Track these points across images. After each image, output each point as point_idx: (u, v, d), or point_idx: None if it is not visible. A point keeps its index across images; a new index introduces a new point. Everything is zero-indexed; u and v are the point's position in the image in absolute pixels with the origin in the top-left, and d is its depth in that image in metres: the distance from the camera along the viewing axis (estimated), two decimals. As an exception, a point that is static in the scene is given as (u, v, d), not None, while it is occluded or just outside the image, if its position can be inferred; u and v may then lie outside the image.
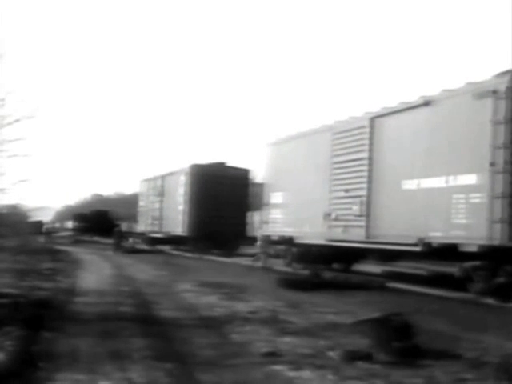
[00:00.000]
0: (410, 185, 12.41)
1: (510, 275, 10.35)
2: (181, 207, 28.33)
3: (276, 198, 18.38)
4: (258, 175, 38.38)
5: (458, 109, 11.36)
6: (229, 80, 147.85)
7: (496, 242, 10.23)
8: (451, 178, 11.25)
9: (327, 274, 13.92)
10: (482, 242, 10.45)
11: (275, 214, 18.38)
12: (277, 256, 18.40)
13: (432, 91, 12.25)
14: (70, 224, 59.90)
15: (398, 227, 12.70)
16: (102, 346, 6.01)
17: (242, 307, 8.91)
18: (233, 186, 27.54)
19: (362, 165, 14.12)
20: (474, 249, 10.64)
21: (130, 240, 33.73)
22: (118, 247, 28.30)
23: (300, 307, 9.05)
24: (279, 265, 17.62)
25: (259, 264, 18.23)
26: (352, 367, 5.27)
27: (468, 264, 10.97)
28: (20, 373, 4.92)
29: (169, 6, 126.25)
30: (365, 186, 13.95)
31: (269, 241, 18.61)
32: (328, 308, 8.95)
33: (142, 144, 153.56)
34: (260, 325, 7.36)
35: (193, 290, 11.26)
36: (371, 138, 13.86)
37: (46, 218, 56.73)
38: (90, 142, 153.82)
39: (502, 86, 10.40)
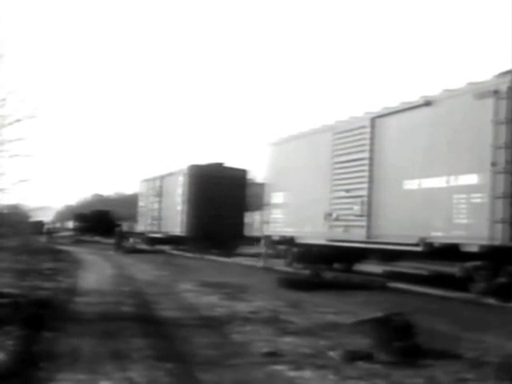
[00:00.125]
0: (411, 185, 12.40)
1: (511, 275, 10.34)
2: (179, 207, 28.61)
3: (277, 197, 18.37)
4: (257, 175, 38.47)
5: (458, 109, 11.35)
6: (228, 81, 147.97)
7: (497, 242, 10.22)
8: (452, 177, 11.24)
9: (328, 274, 13.91)
10: (483, 242, 10.44)
11: (276, 214, 18.37)
12: (278, 256, 18.40)
13: (433, 91, 12.25)
14: (70, 224, 60.00)
15: (399, 227, 12.69)
16: (103, 345, 6.00)
17: (242, 307, 8.90)
18: (230, 187, 27.77)
19: (362, 165, 14.11)
20: (475, 249, 10.63)
21: (131, 240, 33.79)
22: (119, 247, 28.41)
23: (301, 307, 9.04)
24: (280, 265, 17.61)
25: (262, 264, 18.21)
26: (353, 367, 5.26)
27: (469, 264, 10.97)
28: (21, 373, 4.92)
29: (169, 6, 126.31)
30: (366, 185, 13.94)
31: (272, 241, 18.58)
32: (329, 308, 8.94)
33: (142, 144, 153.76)
34: (261, 325, 7.35)
35: (193, 289, 11.25)
36: (372, 138, 13.86)
37: (47, 217, 56.83)
38: (90, 142, 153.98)
39: (503, 86, 10.39)
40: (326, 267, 15.53)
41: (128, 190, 69.07)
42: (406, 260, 16.02)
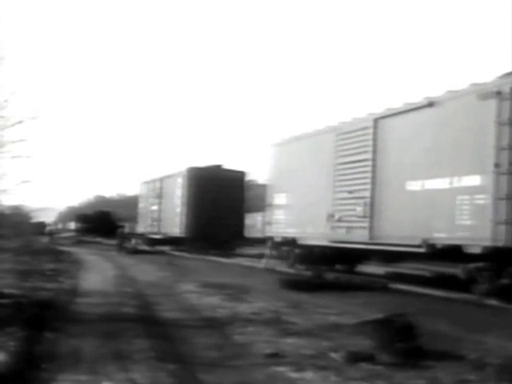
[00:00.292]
0: (413, 186, 12.36)
1: (514, 277, 10.31)
2: (178, 209, 28.97)
3: (279, 199, 18.35)
4: (258, 177, 38.49)
5: (462, 110, 11.31)
6: (228, 83, 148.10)
7: (500, 244, 10.19)
8: (455, 179, 11.21)
9: (330, 275, 13.89)
10: (486, 244, 10.40)
11: (278, 215, 18.35)
12: (280, 257, 18.37)
13: (436, 92, 12.22)
14: (72, 225, 60.09)
15: (401, 228, 12.65)
16: (105, 346, 6.00)
17: (244, 308, 8.89)
18: (229, 188, 28.06)
19: (365, 166, 14.07)
20: (478, 250, 10.60)
21: (133, 241, 33.86)
22: (121, 248, 28.48)
23: (302, 308, 9.02)
24: (281, 266, 17.59)
25: (264, 265, 18.16)
26: (355, 368, 5.25)
27: (472, 265, 10.93)
28: (22, 373, 4.91)
29: (168, 8, 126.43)
30: (368, 187, 13.91)
31: (276, 242, 18.51)
32: (330, 309, 8.92)
33: (144, 145, 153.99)
34: (262, 326, 7.34)
35: (195, 290, 11.24)
36: (375, 139, 13.82)
37: (49, 219, 56.91)
38: (92, 143, 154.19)
39: (507, 87, 10.36)
40: (328, 268, 15.50)
41: (130, 191, 69.10)
42: (408, 261, 15.97)
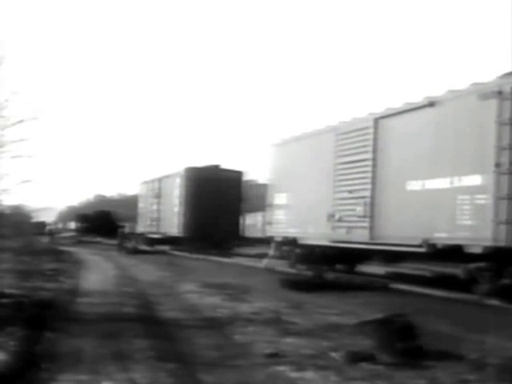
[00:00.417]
0: (414, 186, 12.35)
1: (515, 276, 10.30)
2: (176, 209, 29.26)
3: (280, 198, 18.35)
4: (258, 177, 38.50)
5: (462, 109, 11.30)
6: (228, 83, 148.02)
7: (501, 244, 10.18)
8: (456, 178, 11.20)
9: (330, 275, 13.89)
10: (487, 244, 10.39)
11: (279, 215, 18.35)
12: (281, 257, 18.36)
13: (436, 92, 12.21)
14: (72, 225, 60.07)
15: (402, 228, 12.65)
16: (105, 346, 6.00)
17: (245, 308, 8.89)
18: (226, 188, 28.32)
19: (366, 166, 14.07)
20: (478, 250, 10.59)
21: (133, 241, 33.91)
22: (122, 248, 28.53)
23: (303, 308, 9.02)
24: (282, 265, 17.58)
25: (266, 264, 18.11)
26: (355, 368, 5.25)
27: (473, 265, 10.92)
28: (23, 373, 4.92)
29: (167, 9, 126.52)
30: (369, 186, 13.90)
31: (278, 242, 18.46)
32: (331, 309, 8.92)
33: (144, 145, 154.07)
34: (263, 325, 7.34)
35: (196, 290, 11.24)
36: (375, 139, 13.81)
37: (49, 218, 56.89)
38: (93, 143, 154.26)
39: (507, 87, 10.34)
40: (328, 268, 15.50)
41: (130, 190, 69.08)
42: (409, 261, 15.96)
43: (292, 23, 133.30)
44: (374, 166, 13.75)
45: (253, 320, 7.78)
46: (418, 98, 12.65)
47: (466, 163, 11.06)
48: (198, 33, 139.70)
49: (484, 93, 10.69)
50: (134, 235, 36.19)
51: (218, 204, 27.68)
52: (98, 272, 15.79)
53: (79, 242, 39.37)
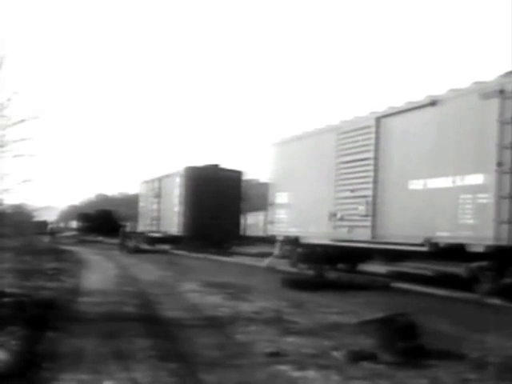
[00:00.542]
0: (416, 185, 12.34)
1: (517, 276, 10.28)
2: (176, 208, 29.51)
3: (281, 198, 18.33)
4: (259, 176, 38.48)
5: (464, 108, 11.28)
6: (228, 83, 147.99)
7: (503, 243, 10.16)
8: (458, 177, 11.18)
9: (332, 274, 13.87)
10: (489, 243, 10.38)
11: (280, 214, 18.33)
12: (282, 256, 18.34)
13: (438, 91, 12.19)
14: (74, 224, 60.12)
15: (404, 227, 12.63)
16: (106, 345, 5.99)
17: (246, 307, 8.88)
18: (226, 188, 28.57)
19: (367, 165, 14.05)
20: (480, 249, 10.57)
21: (134, 240, 33.97)
22: (123, 247, 28.58)
23: (304, 307, 9.01)
24: (283, 265, 17.57)
25: (268, 264, 18.05)
26: (356, 367, 5.23)
27: (475, 264, 10.90)
28: (24, 373, 4.91)
29: (167, 9, 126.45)
30: (370, 185, 13.88)
31: (283, 241, 18.38)
32: (332, 308, 8.91)
33: (145, 144, 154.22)
34: (264, 325, 7.33)
35: (197, 289, 11.23)
36: (377, 138, 13.79)
37: (51, 217, 56.95)
38: (94, 142, 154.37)
39: (509, 86, 10.32)
40: (330, 267, 15.48)
41: (132, 190, 69.10)
42: (411, 260, 15.95)
43: (293, 21, 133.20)
44: (376, 165, 13.73)
45: (254, 319, 7.77)
46: (419, 97, 12.64)
47: (467, 162, 11.03)
48: (198, 33, 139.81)
49: (486, 92, 10.67)
50: (135, 234, 36.26)
51: (217, 203, 27.92)
52: (99, 271, 15.79)
53: (80, 242, 39.38)
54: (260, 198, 30.61)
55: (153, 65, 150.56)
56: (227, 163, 30.22)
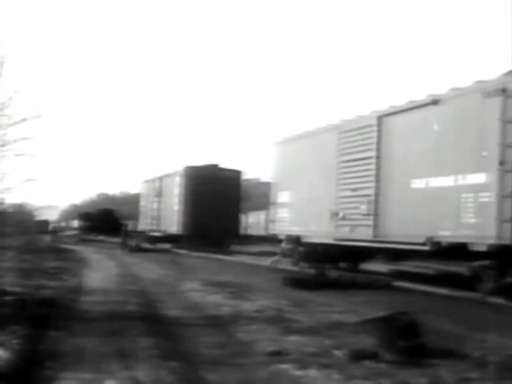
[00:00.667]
0: (418, 184, 12.33)
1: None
2: (176, 207, 29.80)
3: (283, 197, 18.33)
4: (260, 175, 38.52)
5: (466, 107, 11.27)
6: (229, 83, 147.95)
7: (505, 242, 10.15)
8: (460, 176, 11.16)
9: (333, 273, 13.86)
10: (492, 242, 10.37)
11: (282, 213, 18.33)
12: (284, 255, 18.32)
13: (440, 90, 12.18)
14: (75, 223, 60.17)
15: (406, 226, 12.62)
16: (108, 344, 5.99)
17: (247, 306, 8.87)
18: (225, 187, 28.83)
19: (369, 164, 14.04)
20: (483, 248, 10.56)
21: (135, 239, 34.02)
22: (125, 246, 28.62)
23: (305, 306, 9.00)
24: (285, 263, 17.56)
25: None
26: (358, 366, 5.23)
27: (477, 263, 10.89)
28: (26, 372, 4.91)
29: (167, 9, 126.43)
30: (372, 184, 13.87)
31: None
32: (333, 307, 8.91)
33: (147, 143, 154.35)
34: (266, 324, 7.32)
35: (198, 288, 11.23)
36: (379, 137, 13.78)
37: (52, 217, 57.05)
38: (96, 141, 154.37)
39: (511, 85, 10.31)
40: (332, 266, 15.47)
41: (133, 189, 69.11)
42: (412, 259, 15.95)
43: (293, 20, 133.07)
44: (378, 163, 13.72)
45: (255, 318, 7.76)
46: (421, 96, 12.63)
47: (469, 161, 11.02)
48: (198, 33, 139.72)
49: (488, 91, 10.66)
50: (136, 233, 36.34)
51: (216, 203, 28.16)
52: (101, 270, 15.79)
53: (82, 241, 39.35)
54: (262, 197, 30.70)
55: (154, 65, 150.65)
56: (228, 163, 30.70)
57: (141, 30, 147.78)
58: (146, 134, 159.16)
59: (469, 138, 11.11)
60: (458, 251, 11.19)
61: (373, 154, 13.90)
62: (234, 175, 30.10)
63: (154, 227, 33.39)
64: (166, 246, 30.87)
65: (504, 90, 10.36)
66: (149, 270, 16.27)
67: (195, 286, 11.57)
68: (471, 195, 10.86)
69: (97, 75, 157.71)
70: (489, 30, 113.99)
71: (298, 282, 11.85)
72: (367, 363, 5.33)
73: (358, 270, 16.88)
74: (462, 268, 11.63)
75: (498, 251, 10.35)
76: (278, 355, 5.62)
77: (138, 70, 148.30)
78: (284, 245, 18.44)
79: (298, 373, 5.01)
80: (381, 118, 13.80)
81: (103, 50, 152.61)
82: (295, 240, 17.46)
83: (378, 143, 13.77)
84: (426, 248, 11.88)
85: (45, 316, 7.15)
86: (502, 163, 10.27)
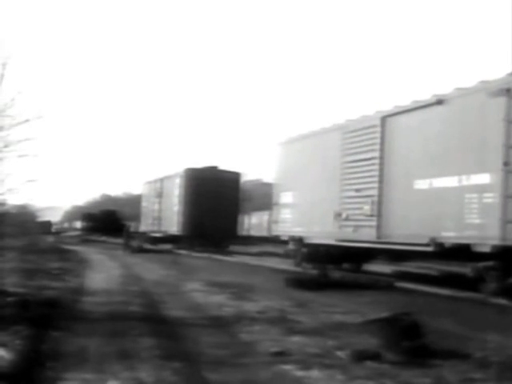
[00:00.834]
0: (422, 184, 12.30)
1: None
2: (176, 208, 30.30)
3: (286, 197, 18.32)
4: (263, 176, 38.58)
5: (471, 107, 11.24)
6: (229, 84, 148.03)
7: (509, 243, 10.12)
8: (464, 177, 11.13)
9: (336, 274, 13.84)
10: (495, 242, 10.33)
11: (285, 214, 18.32)
12: (287, 256, 18.31)
13: (444, 90, 12.14)
14: (78, 224, 60.26)
15: (409, 227, 12.59)
16: (111, 345, 5.98)
17: (250, 307, 8.86)
18: (224, 188, 29.23)
19: (373, 164, 14.02)
20: (486, 249, 10.53)
21: (138, 239, 34.09)
22: (127, 246, 28.67)
23: (308, 307, 8.98)
24: (287, 264, 17.55)
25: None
26: (361, 367, 5.21)
27: (481, 264, 10.86)
28: (28, 372, 4.90)
29: (167, 10, 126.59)
30: (376, 185, 13.85)
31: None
32: (336, 308, 8.88)
33: (150, 144, 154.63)
34: (268, 324, 7.31)
35: (200, 289, 11.22)
36: (382, 137, 13.76)
37: (55, 217, 57.15)
38: (99, 142, 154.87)
39: (516, 85, 10.28)
40: (334, 267, 15.45)
41: (136, 190, 69.13)
42: (416, 260, 15.92)
43: (295, 20, 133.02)
44: (381, 164, 13.70)
45: (258, 319, 7.75)
46: (425, 96, 12.60)
47: (473, 161, 10.99)
48: (198, 33, 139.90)
49: (492, 90, 10.63)
50: (138, 234, 36.45)
51: (216, 204, 28.57)
52: (103, 271, 15.79)
53: (84, 241, 39.39)
54: (265, 197, 30.81)
55: (156, 67, 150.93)
56: (231, 164, 31.05)
57: (143, 32, 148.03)
58: (149, 134, 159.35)
59: (473, 138, 11.08)
60: (461, 252, 11.17)
61: (376, 154, 13.88)
62: (234, 177, 30.50)
63: (155, 228, 33.75)
64: (167, 246, 30.96)
65: (508, 90, 10.33)
66: (150, 270, 16.27)
67: (197, 287, 11.56)
68: (475, 196, 10.83)
69: (100, 77, 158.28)
70: (493, 29, 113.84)
71: (300, 283, 11.82)
72: (370, 364, 5.31)
73: (360, 270, 16.85)
74: (465, 269, 11.60)
75: (501, 252, 10.32)
76: (281, 356, 5.60)
77: (140, 73, 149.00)
78: (291, 246, 18.41)
79: (300, 373, 4.99)
80: (385, 119, 13.78)
81: (106, 53, 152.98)
82: (298, 241, 17.44)
83: (382, 143, 13.74)
84: (430, 249, 11.85)
85: (47, 316, 7.14)
86: (506, 164, 10.24)
